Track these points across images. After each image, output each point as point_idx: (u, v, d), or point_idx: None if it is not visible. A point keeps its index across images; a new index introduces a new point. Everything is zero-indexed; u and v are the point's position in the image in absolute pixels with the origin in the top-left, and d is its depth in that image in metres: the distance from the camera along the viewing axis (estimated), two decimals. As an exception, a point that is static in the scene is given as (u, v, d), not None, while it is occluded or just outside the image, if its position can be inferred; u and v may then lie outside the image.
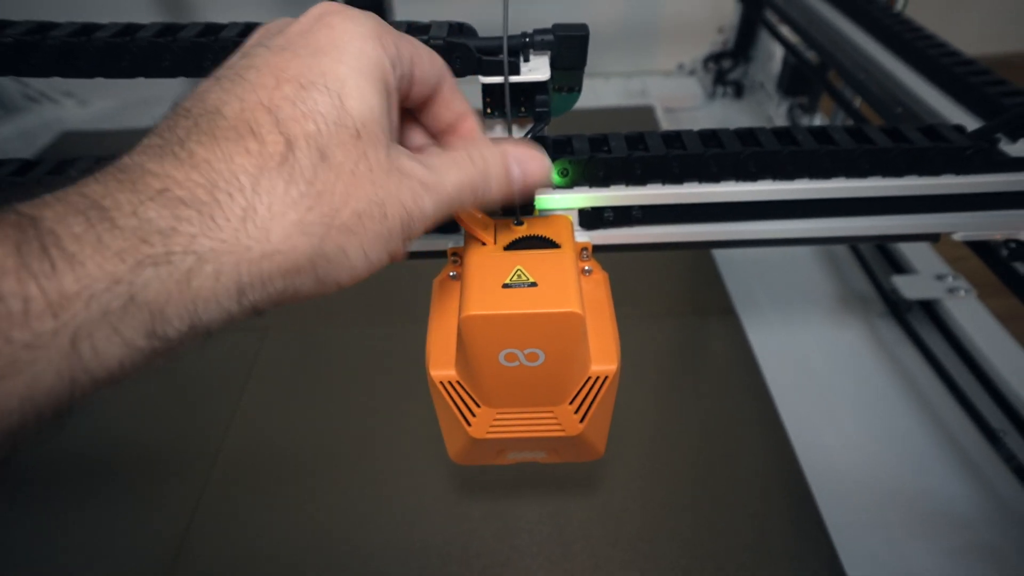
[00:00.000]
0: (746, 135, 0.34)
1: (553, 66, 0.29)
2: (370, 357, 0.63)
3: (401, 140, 0.26)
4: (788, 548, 0.47)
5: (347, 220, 0.19)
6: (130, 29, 0.29)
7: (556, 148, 0.34)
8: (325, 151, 0.19)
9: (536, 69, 0.29)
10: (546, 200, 0.33)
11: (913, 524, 0.49)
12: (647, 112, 1.02)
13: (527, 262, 0.28)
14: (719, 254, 0.73)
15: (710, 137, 0.34)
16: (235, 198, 0.17)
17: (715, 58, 1.07)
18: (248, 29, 0.29)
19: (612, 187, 0.33)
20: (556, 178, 0.33)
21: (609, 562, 0.47)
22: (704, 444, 0.55)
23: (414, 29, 0.29)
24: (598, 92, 1.07)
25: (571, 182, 0.33)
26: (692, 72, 1.12)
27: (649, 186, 0.33)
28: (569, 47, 0.30)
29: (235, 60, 0.21)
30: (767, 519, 0.49)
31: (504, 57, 0.27)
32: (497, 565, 0.47)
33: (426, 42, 0.28)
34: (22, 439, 0.15)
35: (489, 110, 0.32)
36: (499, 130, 0.33)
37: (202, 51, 0.29)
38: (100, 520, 0.51)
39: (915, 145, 0.32)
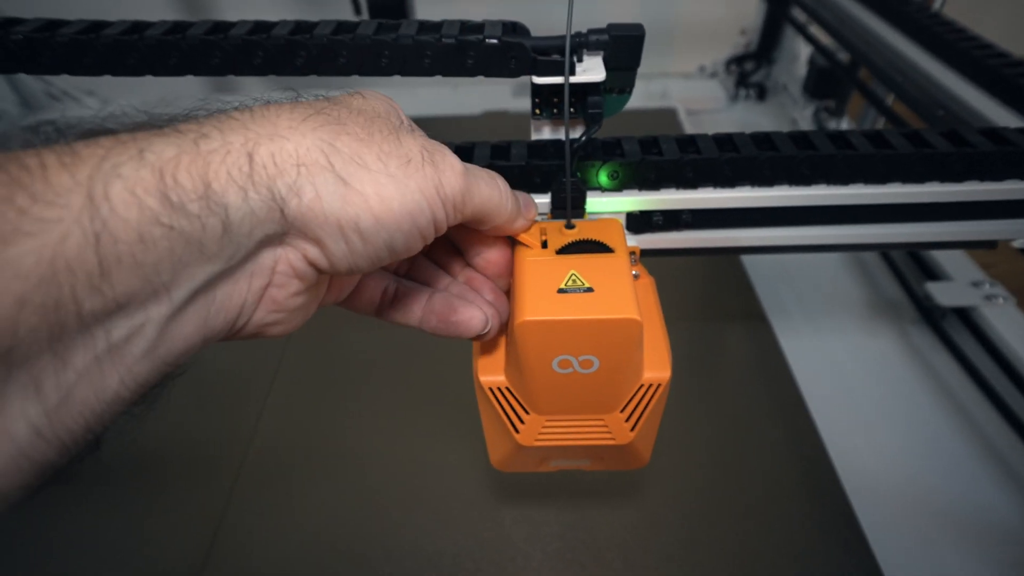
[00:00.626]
0: (800, 139, 0.33)
1: (607, 66, 0.29)
2: (398, 360, 0.63)
3: None
4: (829, 559, 0.46)
5: (371, 158, 0.21)
6: (138, 27, 0.29)
7: (605, 150, 0.33)
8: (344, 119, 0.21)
9: (591, 69, 0.28)
10: (595, 203, 0.33)
11: (954, 535, 0.48)
12: (669, 114, 1.01)
13: (581, 267, 0.28)
14: (747, 259, 0.72)
15: (763, 140, 0.33)
16: (214, 222, 0.18)
17: (737, 60, 1.06)
18: (257, 28, 0.29)
19: (663, 190, 0.33)
20: (605, 181, 0.33)
21: (643, 570, 0.46)
22: (737, 450, 0.54)
23: (468, 29, 0.29)
24: (619, 94, 1.06)
25: (620, 185, 0.33)
26: (714, 74, 1.12)
27: (700, 190, 0.33)
28: (624, 47, 0.29)
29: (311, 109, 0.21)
30: (804, 527, 0.49)
31: (567, 56, 0.26)
32: (530, 570, 0.46)
33: (480, 42, 0.28)
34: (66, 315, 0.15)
35: (538, 111, 0.32)
36: (547, 132, 0.33)
37: (210, 49, 0.28)
38: (129, 522, 0.51)
39: (978, 149, 0.31)
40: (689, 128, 0.98)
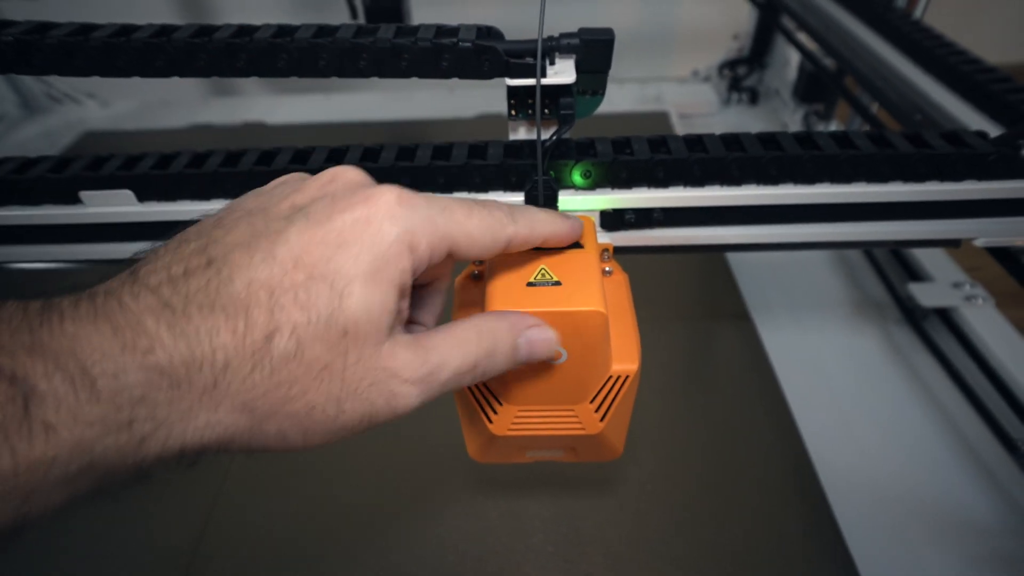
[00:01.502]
0: (768, 140, 0.34)
1: (578, 69, 0.30)
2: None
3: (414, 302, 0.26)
4: (804, 553, 0.47)
5: (296, 409, 0.19)
6: (127, 30, 0.30)
7: (579, 150, 0.34)
8: (303, 344, 0.19)
9: (562, 72, 0.29)
10: (568, 201, 0.34)
11: (931, 532, 0.49)
12: (662, 118, 1.02)
13: (551, 261, 0.29)
14: (733, 258, 0.73)
15: (732, 141, 0.34)
16: (205, 373, 0.18)
17: (730, 65, 1.07)
18: (241, 31, 0.30)
19: (634, 189, 0.34)
20: (578, 180, 0.34)
21: (626, 563, 0.47)
22: (719, 447, 0.55)
23: (442, 33, 0.30)
24: (612, 98, 1.06)
25: (593, 184, 0.34)
26: (707, 79, 1.13)
27: (671, 188, 0.34)
28: (594, 51, 0.30)
29: (281, 211, 0.20)
30: (783, 523, 0.49)
31: (538, 60, 0.28)
32: (513, 565, 0.47)
33: (454, 45, 0.29)
34: None
35: (513, 112, 0.33)
36: (523, 132, 0.34)
37: (195, 51, 0.29)
38: (114, 526, 0.51)
39: (937, 151, 0.32)
40: (681, 132, 0.99)
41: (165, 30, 0.30)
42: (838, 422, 0.57)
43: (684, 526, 0.49)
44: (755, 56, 1.05)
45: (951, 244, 0.35)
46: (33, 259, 0.37)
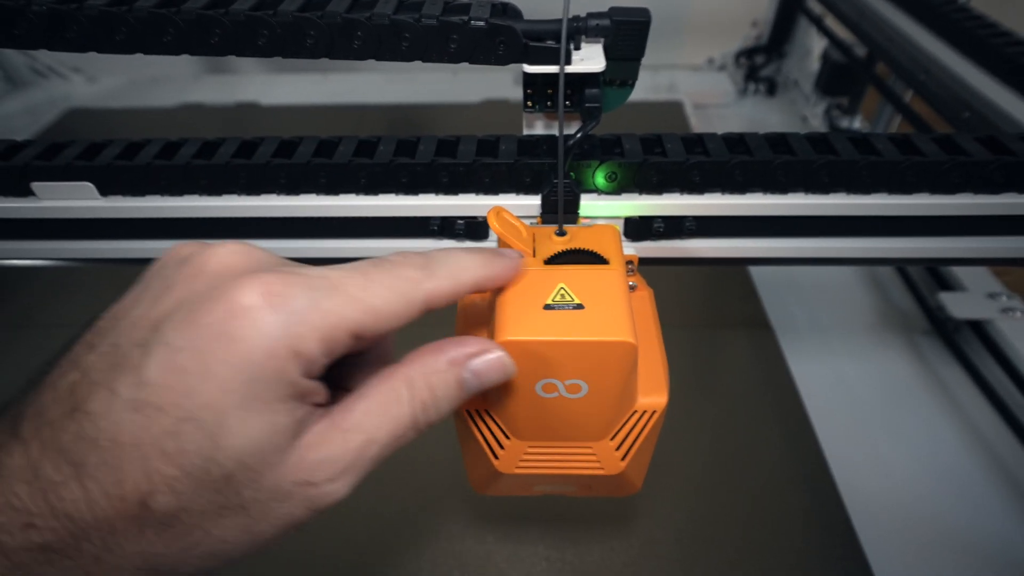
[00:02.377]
0: (818, 141, 0.30)
1: (607, 55, 0.26)
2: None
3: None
4: (829, 587, 0.44)
5: (206, 550, 0.18)
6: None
7: (604, 148, 0.30)
8: (186, 499, 0.17)
9: (589, 58, 0.25)
10: (590, 207, 0.30)
11: (961, 560, 0.46)
12: (676, 108, 0.98)
13: (571, 279, 0.25)
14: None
15: (778, 142, 0.30)
16: (94, 542, 0.16)
17: (747, 53, 1.02)
18: (215, 3, 0.25)
19: (665, 195, 0.30)
20: (602, 183, 0.30)
21: (633, 595, 0.44)
22: (736, 469, 0.51)
23: (452, 9, 0.26)
24: (624, 85, 1.02)
25: (619, 187, 0.30)
26: (723, 67, 1.08)
27: (707, 195, 0.30)
28: (627, 34, 0.26)
29: (141, 329, 0.17)
30: (804, 551, 0.46)
31: (563, 43, 0.23)
32: (512, 593, 0.44)
33: (464, 24, 0.25)
34: None
35: (530, 103, 0.28)
36: (540, 127, 0.30)
37: (163, 25, 0.25)
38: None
39: (1019, 157, 0.28)
40: (695, 122, 0.95)
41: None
42: (862, 439, 0.53)
43: (699, 557, 0.46)
44: (774, 44, 1.00)
45: (1020, 264, 0.31)
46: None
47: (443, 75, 1.06)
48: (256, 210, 0.31)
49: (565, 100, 0.27)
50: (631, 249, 0.31)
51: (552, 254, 0.26)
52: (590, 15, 0.26)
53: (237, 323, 0.16)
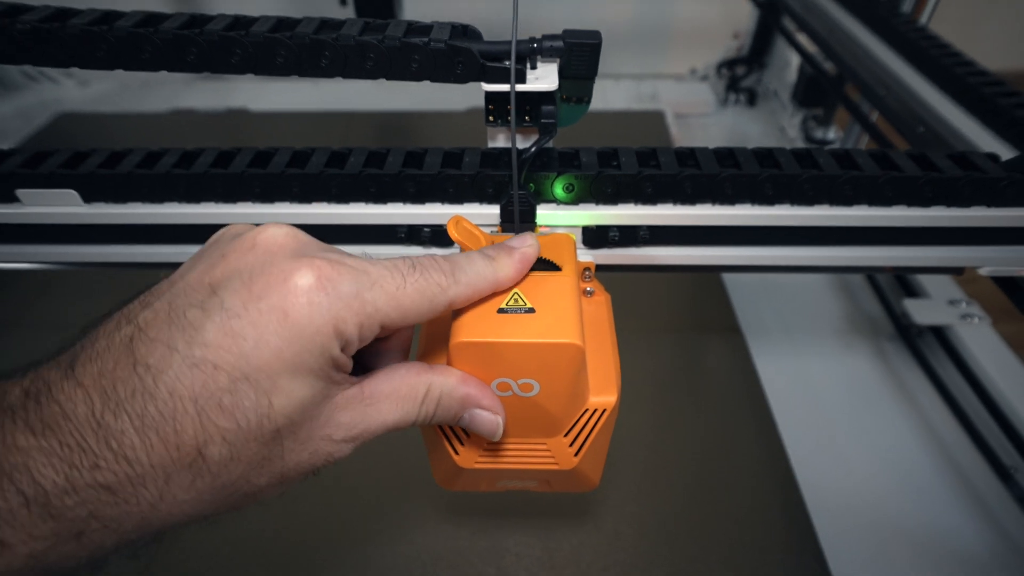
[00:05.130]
0: (764, 156, 0.32)
1: (562, 75, 0.27)
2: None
3: None
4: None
5: (244, 494, 0.20)
6: (108, 17, 0.27)
7: (562, 161, 0.32)
8: (237, 448, 0.19)
9: (543, 78, 0.27)
10: (549, 216, 0.32)
11: (916, 559, 0.47)
12: (657, 117, 1.00)
13: (525, 286, 0.26)
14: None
15: (726, 156, 0.32)
16: (149, 488, 0.18)
17: (729, 64, 1.05)
18: (193, 22, 0.27)
19: (620, 205, 0.31)
20: (560, 193, 0.31)
21: (600, 589, 0.45)
22: (702, 468, 0.53)
23: (414, 30, 0.27)
24: (607, 95, 1.04)
25: (576, 198, 0.31)
26: (705, 77, 1.10)
27: (659, 206, 0.31)
28: (580, 56, 0.28)
29: (200, 292, 0.19)
30: (766, 551, 0.48)
31: (511, 64, 0.25)
32: (484, 588, 0.45)
33: (425, 45, 0.27)
34: None
35: (492, 118, 0.30)
36: (502, 139, 0.32)
37: (140, 43, 0.27)
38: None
39: (945, 174, 0.30)
40: (676, 132, 0.97)
41: (151, 19, 0.27)
42: (825, 440, 0.55)
43: (663, 550, 0.47)
44: (754, 56, 1.03)
45: (954, 272, 0.33)
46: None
47: (430, 84, 1.08)
48: (233, 217, 0.32)
49: (524, 115, 0.29)
50: (588, 256, 0.33)
51: (508, 261, 0.27)
52: (545, 37, 0.27)
53: (293, 300, 0.19)
